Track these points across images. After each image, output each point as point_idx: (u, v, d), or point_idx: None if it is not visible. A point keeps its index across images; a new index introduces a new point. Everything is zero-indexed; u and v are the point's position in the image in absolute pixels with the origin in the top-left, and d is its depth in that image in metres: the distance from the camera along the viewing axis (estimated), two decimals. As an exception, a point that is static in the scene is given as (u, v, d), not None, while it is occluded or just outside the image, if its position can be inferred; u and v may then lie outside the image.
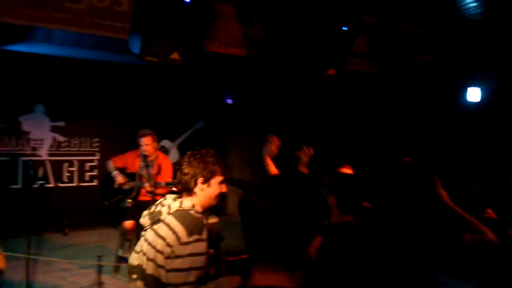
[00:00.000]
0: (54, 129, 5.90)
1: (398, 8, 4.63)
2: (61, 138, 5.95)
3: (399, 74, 5.11)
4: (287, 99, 6.69)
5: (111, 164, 4.86)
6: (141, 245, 2.00)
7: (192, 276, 1.82)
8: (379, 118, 6.25)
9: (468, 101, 5.81)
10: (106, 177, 4.88)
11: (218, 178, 2.05)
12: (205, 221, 1.97)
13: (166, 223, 1.92)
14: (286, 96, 6.62)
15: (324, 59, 4.00)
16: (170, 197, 2.08)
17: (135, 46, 3.30)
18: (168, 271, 1.83)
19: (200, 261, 1.85)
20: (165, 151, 6.81)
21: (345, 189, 2.01)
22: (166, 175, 4.75)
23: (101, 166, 5.99)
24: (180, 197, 2.06)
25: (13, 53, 4.92)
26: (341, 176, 2.33)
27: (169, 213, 1.96)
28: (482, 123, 6.08)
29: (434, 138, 6.06)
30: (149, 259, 1.91)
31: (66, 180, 6.00)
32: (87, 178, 6.14)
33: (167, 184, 4.52)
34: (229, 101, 7.31)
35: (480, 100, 5.54)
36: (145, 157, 4.78)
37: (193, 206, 2.00)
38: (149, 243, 1.94)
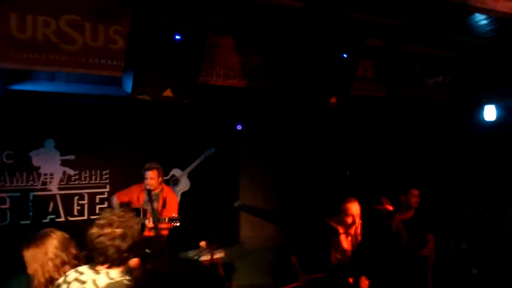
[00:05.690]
0: (64, 163, 5.95)
1: (404, 30, 4.48)
2: (71, 172, 5.99)
3: (408, 97, 4.92)
4: (296, 126, 6.57)
5: (115, 200, 4.82)
6: None
7: None
8: (390, 143, 6.03)
9: (484, 120, 5.58)
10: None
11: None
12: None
13: None
14: (294, 123, 6.50)
15: (325, 87, 3.87)
16: (86, 270, 1.91)
17: (128, 85, 3.27)
18: None
19: None
20: (175, 180, 6.76)
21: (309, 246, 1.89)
22: (171, 210, 4.67)
23: (110, 200, 5.98)
24: (95, 267, 1.89)
25: (20, 92, 5.01)
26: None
27: None
28: (499, 142, 5.79)
29: (449, 160, 5.80)
30: None
31: (76, 213, 6.01)
32: (97, 211, 6.12)
33: (170, 219, 4.44)
34: (239, 127, 7.24)
35: (496, 119, 5.31)
36: (149, 191, 4.72)
37: (122, 273, 1.87)
38: None
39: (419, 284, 4.04)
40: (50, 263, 2.20)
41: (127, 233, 1.85)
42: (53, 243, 2.28)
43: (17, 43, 3.39)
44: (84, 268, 1.91)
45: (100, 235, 1.83)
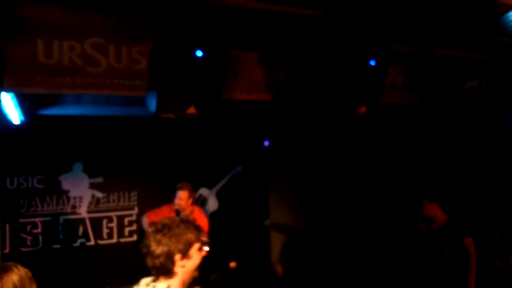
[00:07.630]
0: (93, 186, 5.98)
1: (432, 33, 4.30)
2: (99, 194, 6.01)
3: (443, 103, 4.68)
4: (325, 139, 6.39)
5: (145, 220, 4.78)
6: None
7: None
8: (426, 151, 5.75)
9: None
10: (141, 233, 4.81)
11: (196, 245, 1.87)
12: None
13: None
14: (323, 136, 6.32)
15: (353, 97, 3.72)
16: (144, 282, 1.85)
17: (152, 104, 3.23)
18: None
19: None
20: (203, 199, 6.67)
21: None
22: (200, 232, 4.58)
23: (140, 219, 5.94)
24: (155, 280, 1.84)
25: (48, 117, 5.08)
26: None
27: None
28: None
29: (487, 167, 5.46)
30: None
31: (105, 236, 6.00)
32: (126, 234, 6.10)
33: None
34: (267, 143, 7.13)
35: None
36: (178, 212, 4.66)
37: (169, 287, 1.79)
38: None
39: None
40: None
41: (176, 240, 1.82)
42: (8, 282, 2.17)
43: (44, 68, 3.41)
44: (144, 280, 1.88)
45: (150, 244, 1.81)
